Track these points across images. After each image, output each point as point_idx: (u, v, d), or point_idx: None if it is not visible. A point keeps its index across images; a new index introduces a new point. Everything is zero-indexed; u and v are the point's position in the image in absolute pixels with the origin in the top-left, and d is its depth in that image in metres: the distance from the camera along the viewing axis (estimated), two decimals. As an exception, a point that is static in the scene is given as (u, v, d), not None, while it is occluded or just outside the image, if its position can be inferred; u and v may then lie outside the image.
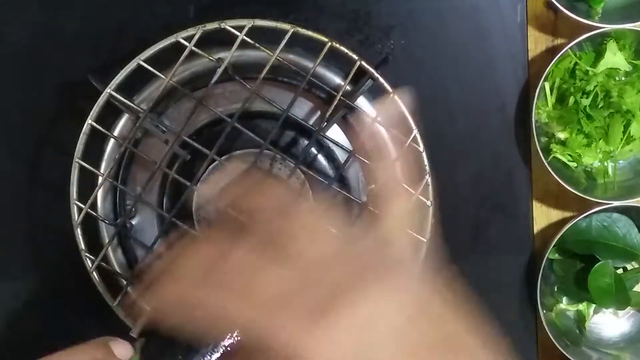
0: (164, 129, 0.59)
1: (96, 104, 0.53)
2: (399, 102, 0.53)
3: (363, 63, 0.53)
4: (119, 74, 0.53)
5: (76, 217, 0.55)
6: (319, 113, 0.61)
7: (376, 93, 0.62)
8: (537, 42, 0.65)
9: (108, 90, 0.53)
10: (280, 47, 0.52)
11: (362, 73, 0.56)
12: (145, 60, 0.52)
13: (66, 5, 0.63)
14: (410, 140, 0.53)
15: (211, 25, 0.51)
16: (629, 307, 0.66)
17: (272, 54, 0.52)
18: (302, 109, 0.61)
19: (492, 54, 0.65)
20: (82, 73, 0.56)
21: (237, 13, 0.63)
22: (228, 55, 0.51)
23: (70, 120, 0.56)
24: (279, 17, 0.63)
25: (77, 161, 0.54)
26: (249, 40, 0.51)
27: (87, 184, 0.57)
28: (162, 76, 0.52)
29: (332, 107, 0.54)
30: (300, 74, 0.56)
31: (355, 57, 0.53)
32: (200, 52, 0.52)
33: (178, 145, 0.59)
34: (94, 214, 0.58)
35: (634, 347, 0.65)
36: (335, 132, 0.61)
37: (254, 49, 0.53)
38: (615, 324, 0.67)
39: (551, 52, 0.65)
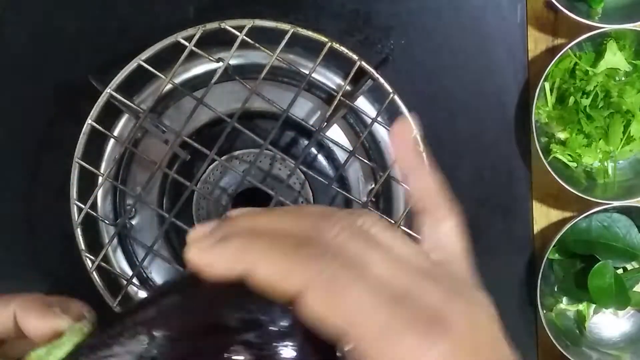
0: (163, 128, 0.59)
1: (96, 104, 0.53)
2: (398, 101, 0.53)
3: (363, 63, 0.53)
4: (119, 74, 0.53)
5: (76, 217, 0.55)
6: (319, 113, 0.61)
7: (376, 93, 0.62)
8: (537, 42, 0.65)
9: (108, 90, 0.53)
10: (280, 47, 0.52)
11: (362, 73, 0.56)
12: (145, 61, 0.52)
13: (66, 5, 0.63)
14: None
15: (211, 25, 0.51)
16: (629, 307, 0.66)
17: (272, 54, 0.52)
18: (302, 109, 0.61)
19: (492, 54, 0.65)
20: (82, 73, 0.57)
21: (237, 13, 0.63)
22: (228, 55, 0.51)
23: (70, 120, 0.56)
24: (279, 17, 0.63)
25: (77, 161, 0.54)
26: (249, 40, 0.51)
27: (87, 184, 0.57)
28: (162, 76, 0.52)
29: (332, 107, 0.54)
30: (300, 74, 0.56)
31: (355, 57, 0.53)
32: (200, 52, 0.52)
33: (178, 145, 0.59)
34: (94, 214, 0.58)
35: (634, 347, 0.65)
36: (335, 132, 0.61)
37: (254, 49, 0.53)
38: (615, 324, 0.67)
39: (551, 52, 0.65)
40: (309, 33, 0.52)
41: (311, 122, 0.60)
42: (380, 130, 0.62)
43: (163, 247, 0.62)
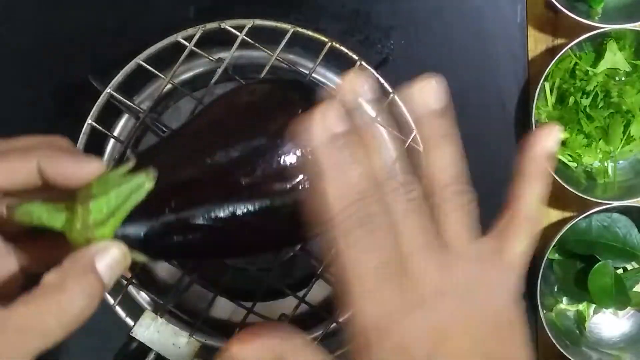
0: (163, 128, 0.59)
1: (96, 105, 0.53)
2: (399, 102, 0.53)
3: (363, 63, 0.53)
4: (119, 74, 0.52)
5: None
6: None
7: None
8: (537, 42, 0.65)
9: (108, 90, 0.53)
10: (280, 47, 0.51)
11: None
12: (145, 60, 0.52)
13: (66, 5, 0.63)
14: (410, 140, 0.53)
15: (211, 25, 0.51)
16: (629, 307, 0.66)
17: (272, 54, 0.52)
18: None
19: (492, 54, 0.65)
20: (82, 73, 0.56)
21: (237, 13, 0.63)
22: (228, 55, 0.51)
23: (70, 120, 0.56)
24: (279, 17, 0.63)
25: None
26: (249, 40, 0.51)
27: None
28: (162, 76, 0.52)
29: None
30: (300, 74, 0.56)
31: (355, 57, 0.53)
32: (200, 52, 0.52)
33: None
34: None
35: (634, 347, 0.65)
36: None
37: (254, 49, 0.53)
38: (615, 324, 0.67)
39: (551, 52, 0.65)
40: (309, 33, 0.52)
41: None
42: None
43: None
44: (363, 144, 0.31)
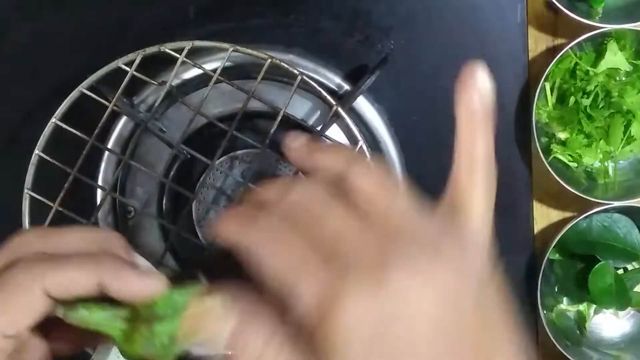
0: (163, 128, 0.60)
1: (42, 135, 0.53)
2: (344, 115, 0.53)
3: (304, 77, 0.52)
4: (64, 103, 0.53)
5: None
6: (319, 113, 0.61)
7: (376, 92, 0.62)
8: (537, 42, 0.65)
9: (53, 119, 0.53)
10: (220, 68, 0.52)
11: (361, 73, 0.56)
12: (97, 82, 0.52)
13: (66, 5, 0.63)
14: (357, 149, 0.53)
15: (151, 50, 0.52)
16: (629, 308, 0.66)
17: (212, 74, 0.52)
18: (302, 108, 0.61)
19: (492, 54, 0.64)
20: (82, 73, 0.56)
21: (237, 13, 0.63)
22: (170, 77, 0.52)
23: (70, 120, 0.56)
24: (279, 17, 0.63)
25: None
26: (188, 61, 0.52)
27: (86, 188, 0.57)
28: (154, 83, 0.52)
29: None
30: (300, 74, 0.56)
31: (295, 71, 0.53)
32: (142, 76, 0.52)
33: (177, 150, 0.59)
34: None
35: (634, 348, 0.65)
36: (335, 132, 0.61)
37: (252, 50, 0.53)
38: (615, 324, 0.67)
39: (551, 52, 0.65)
40: (249, 51, 0.52)
41: (311, 122, 0.60)
42: (381, 131, 0.62)
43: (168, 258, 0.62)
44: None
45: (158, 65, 0.57)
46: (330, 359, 0.26)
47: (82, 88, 0.52)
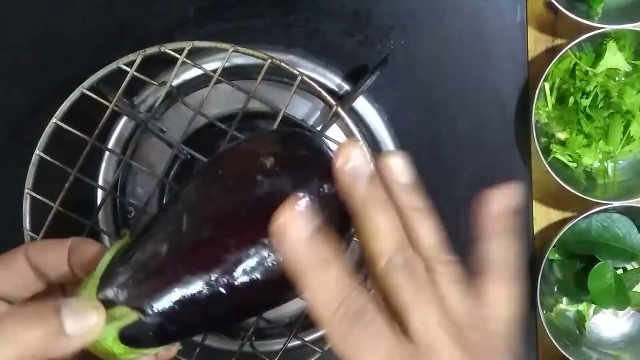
0: (164, 129, 0.60)
1: (43, 135, 0.53)
2: (344, 115, 0.53)
3: (304, 77, 0.52)
4: (64, 104, 0.53)
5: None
6: (319, 113, 0.61)
7: (376, 92, 0.62)
8: (537, 42, 0.65)
9: (54, 120, 0.53)
10: (220, 67, 0.52)
11: (361, 73, 0.56)
12: (98, 82, 0.52)
13: (66, 5, 0.63)
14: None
15: (151, 50, 0.52)
16: (628, 308, 0.66)
17: (213, 74, 0.52)
18: (302, 109, 0.61)
19: (492, 54, 0.64)
20: (82, 73, 0.56)
21: (237, 14, 0.63)
22: (170, 78, 0.52)
23: (70, 121, 0.56)
24: (279, 17, 0.64)
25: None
26: (189, 61, 0.52)
27: (86, 189, 0.57)
28: (155, 83, 0.52)
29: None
30: (300, 75, 0.56)
31: (295, 71, 0.53)
32: (142, 77, 0.52)
33: (177, 150, 0.59)
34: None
35: (633, 347, 0.65)
36: (335, 132, 0.61)
37: (245, 55, 0.53)
38: (615, 324, 0.67)
39: (551, 52, 0.65)
40: (249, 51, 0.52)
41: (312, 122, 0.60)
42: (381, 131, 0.62)
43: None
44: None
45: (158, 65, 0.57)
46: None
47: (82, 88, 0.52)
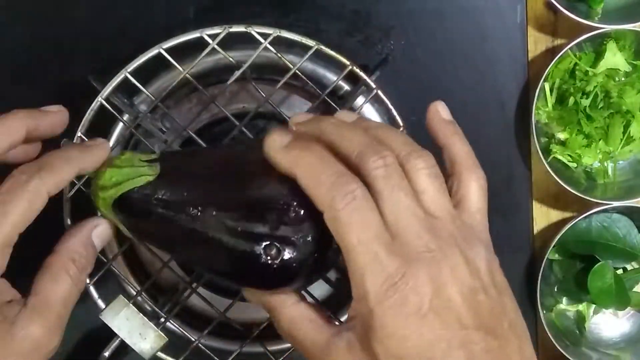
0: (163, 129, 0.60)
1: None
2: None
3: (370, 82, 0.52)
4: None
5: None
6: (318, 113, 0.61)
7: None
8: (537, 43, 0.65)
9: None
10: (302, 61, 0.51)
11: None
12: (164, 51, 0.52)
13: (66, 6, 0.63)
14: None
15: (237, 28, 0.51)
16: (628, 308, 0.66)
17: (292, 66, 0.51)
18: (302, 109, 0.61)
19: (492, 54, 0.65)
20: (82, 73, 0.56)
21: (237, 14, 0.63)
22: (248, 60, 0.51)
23: (70, 121, 0.56)
24: (279, 17, 0.64)
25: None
26: (272, 49, 0.51)
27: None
28: (179, 68, 0.51)
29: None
30: (299, 76, 0.56)
31: (371, 84, 0.53)
32: (221, 51, 0.51)
33: (178, 145, 0.59)
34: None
35: (634, 348, 0.65)
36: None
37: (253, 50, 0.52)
38: (615, 324, 0.67)
39: (551, 52, 0.65)
40: (332, 53, 0.52)
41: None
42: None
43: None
44: (321, 128, 0.38)
45: (158, 66, 0.57)
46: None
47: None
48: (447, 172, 0.39)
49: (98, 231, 0.43)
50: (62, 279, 0.40)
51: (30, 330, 0.38)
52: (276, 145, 0.37)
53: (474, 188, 0.38)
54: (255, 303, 0.41)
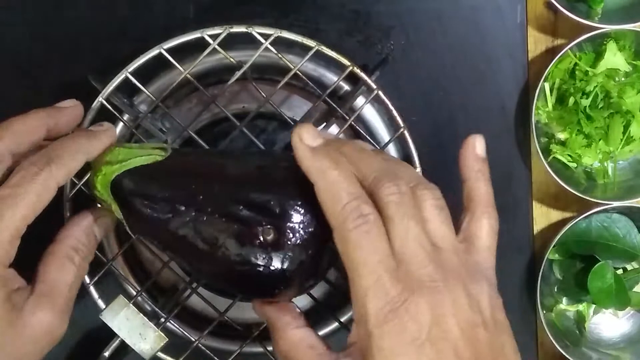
0: (163, 129, 0.60)
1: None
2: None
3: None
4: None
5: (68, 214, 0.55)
6: (318, 113, 0.61)
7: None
8: (537, 43, 0.65)
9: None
10: (302, 62, 0.51)
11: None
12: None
13: (66, 5, 0.63)
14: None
15: (238, 28, 0.51)
16: (628, 308, 0.66)
17: (292, 66, 0.51)
18: (302, 109, 0.61)
19: (492, 54, 0.65)
20: (82, 73, 0.56)
21: (237, 13, 0.63)
22: (249, 60, 0.51)
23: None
24: (279, 17, 0.64)
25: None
26: (272, 49, 0.51)
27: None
28: (180, 68, 0.51)
29: (338, 113, 0.53)
30: (300, 76, 0.56)
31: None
32: (222, 52, 0.51)
33: (178, 145, 0.59)
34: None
35: (634, 348, 0.65)
36: (334, 131, 0.61)
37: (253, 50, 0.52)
38: (615, 324, 0.67)
39: (551, 52, 0.65)
40: (332, 54, 0.52)
41: (311, 122, 0.60)
42: (381, 131, 0.62)
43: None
44: (343, 150, 0.38)
45: (159, 66, 0.57)
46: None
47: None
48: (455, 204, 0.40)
49: (99, 221, 0.45)
50: (67, 266, 0.41)
51: (39, 315, 0.39)
52: (307, 141, 0.38)
53: (486, 226, 0.38)
54: (261, 317, 0.42)
